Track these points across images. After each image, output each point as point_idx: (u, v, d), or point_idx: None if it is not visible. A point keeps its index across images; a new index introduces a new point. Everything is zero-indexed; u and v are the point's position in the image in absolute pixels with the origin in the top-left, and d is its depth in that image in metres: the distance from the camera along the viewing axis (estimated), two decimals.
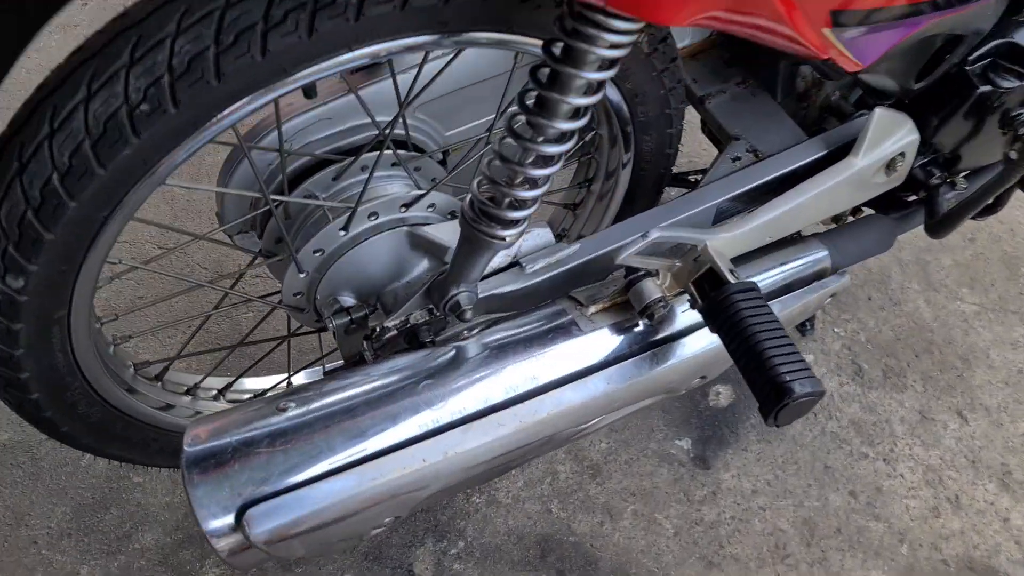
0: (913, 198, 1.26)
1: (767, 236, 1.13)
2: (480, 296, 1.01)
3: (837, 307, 1.73)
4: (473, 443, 0.93)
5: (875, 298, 1.76)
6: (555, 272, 1.06)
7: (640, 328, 1.04)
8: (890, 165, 1.16)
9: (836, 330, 1.70)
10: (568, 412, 0.99)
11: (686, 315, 1.06)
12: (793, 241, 1.23)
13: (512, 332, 1.01)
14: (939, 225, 1.21)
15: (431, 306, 1.01)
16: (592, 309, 1.02)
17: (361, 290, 1.11)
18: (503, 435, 0.94)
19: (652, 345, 1.04)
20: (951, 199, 1.22)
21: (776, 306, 1.13)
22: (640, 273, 1.04)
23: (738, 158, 1.19)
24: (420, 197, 1.06)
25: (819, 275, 1.20)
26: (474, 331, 1.00)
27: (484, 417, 0.94)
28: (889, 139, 1.13)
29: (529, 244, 1.08)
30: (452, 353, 0.98)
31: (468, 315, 0.98)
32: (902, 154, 1.15)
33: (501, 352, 0.98)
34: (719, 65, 1.30)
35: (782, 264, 1.17)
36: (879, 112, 1.11)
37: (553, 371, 0.99)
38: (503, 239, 0.88)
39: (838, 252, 1.22)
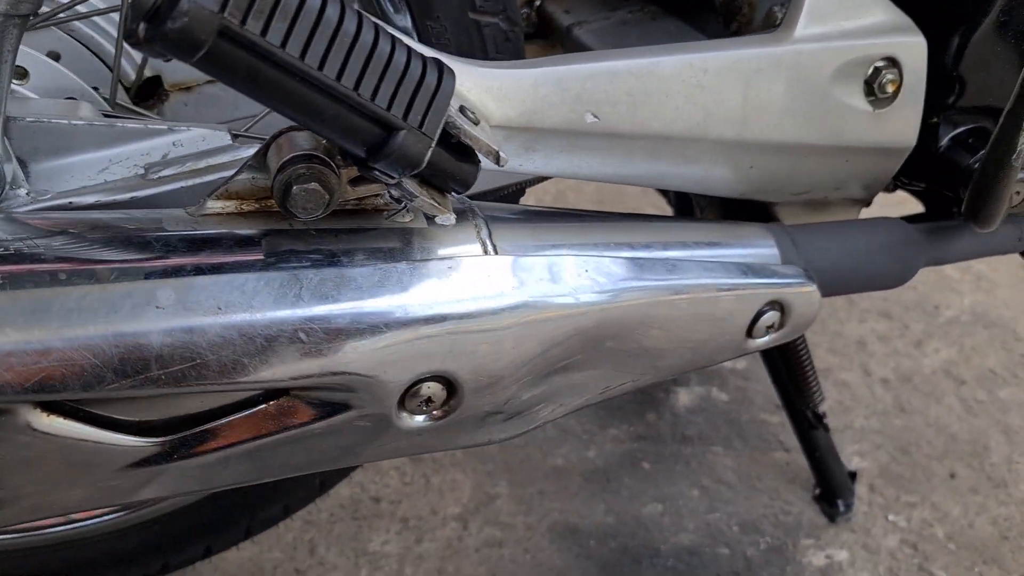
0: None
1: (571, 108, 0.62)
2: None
3: (895, 484, 1.09)
4: None
5: (962, 475, 1.10)
6: (189, 182, 0.58)
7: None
8: (873, 80, 0.67)
9: (891, 517, 1.05)
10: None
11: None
12: (730, 223, 0.73)
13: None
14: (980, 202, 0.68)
15: None
16: (210, 204, 0.53)
17: None
18: None
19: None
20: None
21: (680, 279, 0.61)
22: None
23: None
24: None
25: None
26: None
27: None
28: (859, 12, 0.65)
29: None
30: None
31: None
32: (893, 61, 0.67)
33: None
34: None
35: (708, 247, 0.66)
36: None
37: None
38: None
39: (796, 254, 0.70)
